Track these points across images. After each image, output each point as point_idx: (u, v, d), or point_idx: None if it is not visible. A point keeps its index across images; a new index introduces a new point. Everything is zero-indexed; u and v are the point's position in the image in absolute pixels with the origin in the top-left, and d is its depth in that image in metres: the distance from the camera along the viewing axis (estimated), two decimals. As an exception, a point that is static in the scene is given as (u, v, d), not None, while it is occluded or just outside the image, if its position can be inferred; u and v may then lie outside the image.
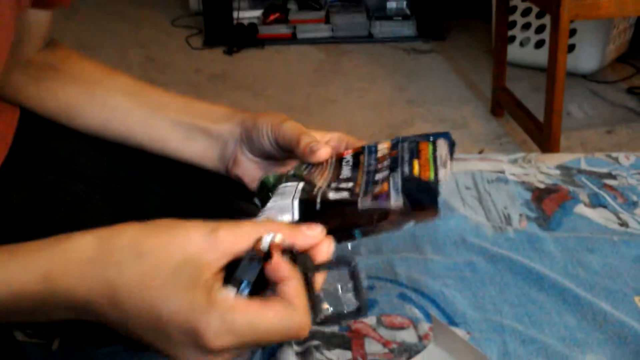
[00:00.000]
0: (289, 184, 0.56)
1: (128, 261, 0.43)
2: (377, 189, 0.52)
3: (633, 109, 2.32)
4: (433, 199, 0.50)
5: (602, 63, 2.46)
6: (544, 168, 1.03)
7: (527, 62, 2.51)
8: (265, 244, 0.45)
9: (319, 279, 0.47)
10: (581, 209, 0.93)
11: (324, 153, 0.58)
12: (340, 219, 0.52)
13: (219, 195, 0.71)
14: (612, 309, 0.74)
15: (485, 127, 2.25)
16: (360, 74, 2.66)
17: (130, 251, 0.43)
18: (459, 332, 0.71)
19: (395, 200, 0.50)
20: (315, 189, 0.54)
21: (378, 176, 0.54)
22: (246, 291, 0.45)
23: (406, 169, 0.53)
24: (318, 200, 0.53)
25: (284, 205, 0.53)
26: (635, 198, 0.95)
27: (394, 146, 0.57)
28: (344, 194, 0.53)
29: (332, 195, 0.53)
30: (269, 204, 0.55)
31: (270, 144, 0.63)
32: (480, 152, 2.03)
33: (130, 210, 0.70)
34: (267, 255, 0.45)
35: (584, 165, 1.04)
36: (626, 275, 0.80)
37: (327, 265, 0.48)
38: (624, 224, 0.89)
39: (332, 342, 0.71)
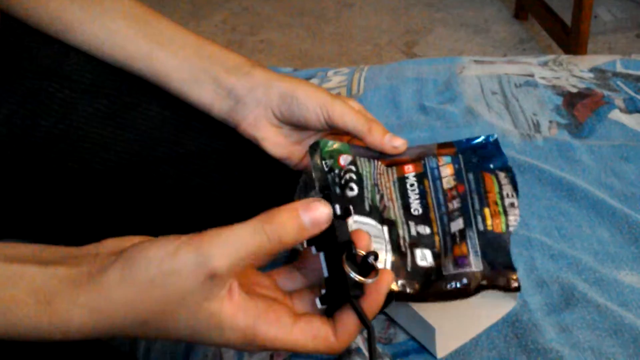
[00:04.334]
0: (368, 222, 0.53)
1: (138, 332, 0.43)
2: (456, 250, 0.52)
3: (666, 11, 2.20)
4: (507, 259, 0.52)
5: (634, -38, 2.31)
6: (577, 71, 0.96)
7: (554, -38, 2.37)
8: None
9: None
10: (616, 114, 0.86)
11: (403, 145, 0.59)
12: (425, 287, 0.52)
13: (216, 122, 0.65)
14: (649, 222, 0.69)
15: (508, 31, 2.15)
16: (377, -24, 2.53)
17: (138, 325, 0.42)
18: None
19: (476, 266, 0.52)
20: (399, 240, 0.54)
21: (453, 227, 0.54)
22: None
23: (480, 223, 0.53)
24: (408, 262, 0.53)
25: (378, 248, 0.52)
26: (675, 103, 0.87)
27: (457, 174, 0.57)
28: (428, 255, 0.53)
29: (419, 258, 0.53)
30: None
31: (318, 122, 0.60)
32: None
33: (121, 119, 0.65)
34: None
35: (619, 68, 0.96)
36: (664, 186, 0.74)
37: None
38: (662, 130, 0.83)
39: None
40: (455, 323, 0.59)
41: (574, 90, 0.91)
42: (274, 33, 2.26)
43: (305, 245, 0.45)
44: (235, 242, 0.41)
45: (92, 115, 0.63)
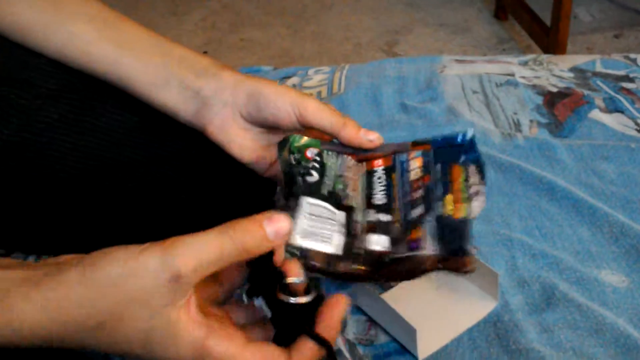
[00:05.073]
0: (323, 205, 0.54)
1: (94, 336, 0.41)
2: (412, 234, 0.52)
3: (643, 12, 2.22)
4: (464, 243, 0.51)
5: (612, -37, 2.33)
6: (557, 70, 0.96)
7: (533, -38, 2.38)
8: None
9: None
10: (596, 114, 0.86)
11: (377, 139, 0.58)
12: (376, 268, 0.52)
13: (184, 126, 0.64)
14: (629, 221, 0.69)
15: (488, 31, 2.15)
16: (358, -25, 2.53)
17: (93, 326, 0.41)
18: (465, 246, 0.66)
19: (431, 249, 0.51)
20: (355, 225, 0.54)
21: (413, 214, 0.54)
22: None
23: (440, 209, 0.53)
24: (362, 246, 0.53)
25: (324, 234, 0.52)
26: (654, 102, 0.88)
27: (425, 166, 0.57)
28: (384, 240, 0.53)
29: (373, 243, 0.53)
30: (303, 222, 0.52)
31: (290, 120, 0.58)
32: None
33: (85, 125, 0.63)
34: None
35: (599, 68, 0.96)
36: (644, 185, 0.74)
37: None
38: (642, 130, 0.83)
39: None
40: (436, 324, 0.58)
41: (554, 89, 0.91)
42: (255, 31, 2.25)
43: (246, 300, 0.47)
44: (200, 247, 0.41)
45: (56, 122, 0.62)
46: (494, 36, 2.12)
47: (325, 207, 0.53)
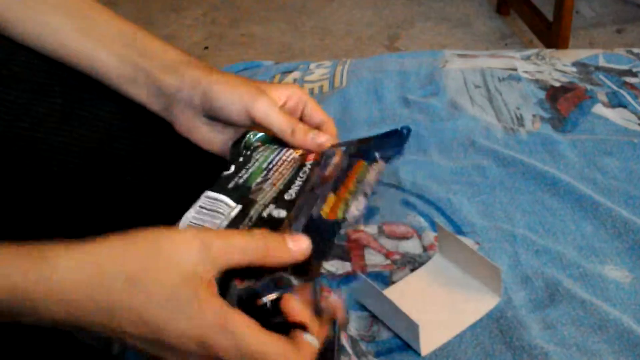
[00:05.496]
0: (220, 198, 0.53)
1: (122, 290, 0.43)
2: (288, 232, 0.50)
3: (646, 7, 2.20)
4: (324, 247, 0.49)
5: (615, -43, 2.32)
6: (559, 65, 0.95)
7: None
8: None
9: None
10: (599, 109, 0.86)
11: (327, 141, 0.57)
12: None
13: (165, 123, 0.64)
14: (632, 216, 0.68)
15: (490, 25, 2.14)
16: (359, -31, 2.52)
17: (123, 280, 0.43)
18: (467, 241, 0.65)
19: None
20: (244, 220, 0.52)
21: (302, 212, 0.52)
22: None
23: (316, 208, 0.52)
24: None
25: (204, 227, 0.51)
26: (658, 97, 0.87)
27: (341, 161, 0.55)
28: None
29: None
30: (190, 215, 0.51)
31: (242, 121, 0.58)
32: (485, 52, 1.93)
33: (76, 118, 0.63)
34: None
35: (602, 62, 0.96)
36: (648, 180, 0.74)
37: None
38: (645, 125, 0.82)
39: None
40: (439, 320, 0.58)
41: (557, 84, 0.90)
42: (255, 26, 2.24)
43: None
44: (230, 233, 0.47)
45: (47, 116, 0.61)
46: (495, 31, 2.11)
47: (221, 201, 0.53)
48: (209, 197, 0.53)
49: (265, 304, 0.45)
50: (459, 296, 0.60)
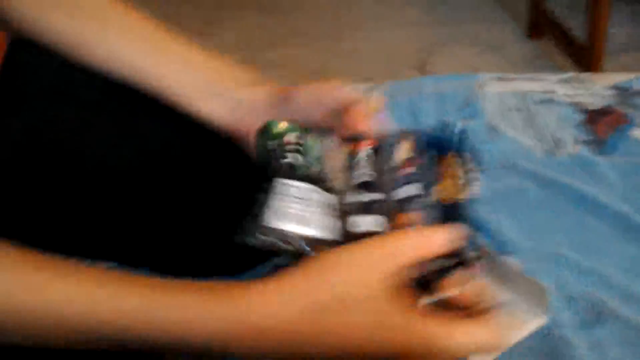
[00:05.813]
0: (302, 186, 0.51)
1: (331, 315, 0.43)
2: (402, 218, 0.50)
3: (679, 30, 2.20)
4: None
5: (646, -19, 2.32)
6: (597, 89, 0.96)
7: (566, -19, 2.38)
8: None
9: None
10: (637, 133, 0.86)
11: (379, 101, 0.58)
12: None
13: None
14: (676, 238, 0.69)
15: (521, 49, 2.15)
16: (390, -6, 2.55)
17: (333, 306, 0.43)
18: (511, 262, 0.66)
19: None
20: (343, 206, 0.51)
21: (400, 194, 0.51)
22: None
23: (433, 195, 0.51)
24: (352, 230, 0.50)
25: (303, 217, 0.50)
26: (697, 121, 0.87)
27: (415, 151, 0.54)
28: (367, 221, 0.50)
29: (353, 225, 0.50)
30: (276, 203, 0.50)
31: (318, 115, 0.58)
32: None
33: (131, 136, 0.65)
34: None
35: (636, 86, 0.96)
36: (690, 203, 0.74)
37: None
38: (685, 148, 0.83)
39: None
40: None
41: (595, 107, 0.91)
42: (287, 50, 2.27)
43: None
44: (396, 236, 0.46)
45: (99, 132, 0.64)
46: (527, 54, 2.12)
47: (301, 188, 0.51)
48: (289, 185, 0.51)
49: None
50: (505, 314, 0.61)
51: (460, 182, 0.52)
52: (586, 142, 0.85)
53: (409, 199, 0.51)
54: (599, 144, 0.85)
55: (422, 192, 0.51)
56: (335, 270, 0.44)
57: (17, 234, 0.55)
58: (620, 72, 1.94)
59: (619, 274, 0.66)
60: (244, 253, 0.67)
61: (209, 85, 0.62)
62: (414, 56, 2.18)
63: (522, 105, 0.93)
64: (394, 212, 0.51)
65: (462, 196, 0.51)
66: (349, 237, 0.49)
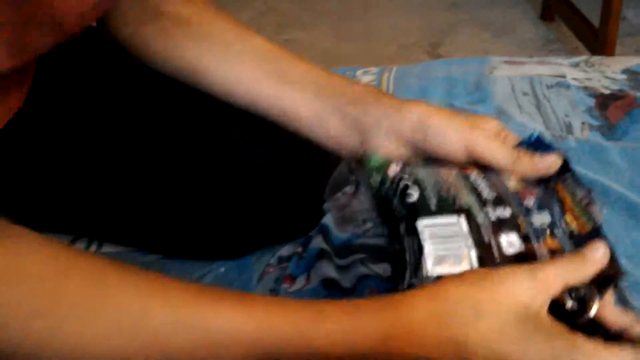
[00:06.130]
0: (439, 222, 0.51)
1: (470, 321, 0.44)
2: (549, 242, 0.50)
3: (695, 13, 2.17)
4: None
5: (663, -37, 2.28)
6: (609, 72, 0.95)
7: (581, -37, 2.35)
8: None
9: None
10: (649, 117, 0.85)
11: (555, 163, 0.55)
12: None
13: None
14: (684, 225, 0.68)
15: (534, 32, 2.13)
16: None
17: (471, 311, 0.44)
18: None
19: None
20: (479, 228, 0.51)
21: (536, 220, 0.51)
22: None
23: (565, 227, 0.52)
24: (495, 253, 0.50)
25: (456, 254, 0.49)
26: None
27: (526, 187, 0.54)
28: (514, 239, 0.50)
29: (506, 246, 0.50)
30: (428, 248, 0.49)
31: (458, 156, 0.56)
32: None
33: (143, 115, 0.66)
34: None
35: (651, 69, 0.95)
36: (700, 189, 0.73)
37: None
38: (697, 133, 0.82)
39: (378, 255, 0.67)
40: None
41: (607, 91, 0.90)
42: (299, 32, 2.26)
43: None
44: (545, 264, 0.47)
45: (112, 114, 0.66)
46: (540, 37, 2.10)
47: (441, 224, 0.50)
48: (428, 226, 0.50)
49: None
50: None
51: (579, 211, 0.52)
52: (596, 127, 0.84)
53: (547, 226, 0.51)
54: (609, 129, 0.84)
55: (556, 221, 0.52)
56: (491, 286, 0.45)
57: (30, 218, 0.56)
58: (632, 55, 1.92)
59: (625, 261, 0.65)
60: (245, 237, 0.68)
61: (326, 106, 0.60)
62: (426, 40, 2.17)
63: (531, 89, 0.92)
64: (535, 233, 0.51)
65: (591, 226, 0.52)
66: (502, 259, 0.49)
